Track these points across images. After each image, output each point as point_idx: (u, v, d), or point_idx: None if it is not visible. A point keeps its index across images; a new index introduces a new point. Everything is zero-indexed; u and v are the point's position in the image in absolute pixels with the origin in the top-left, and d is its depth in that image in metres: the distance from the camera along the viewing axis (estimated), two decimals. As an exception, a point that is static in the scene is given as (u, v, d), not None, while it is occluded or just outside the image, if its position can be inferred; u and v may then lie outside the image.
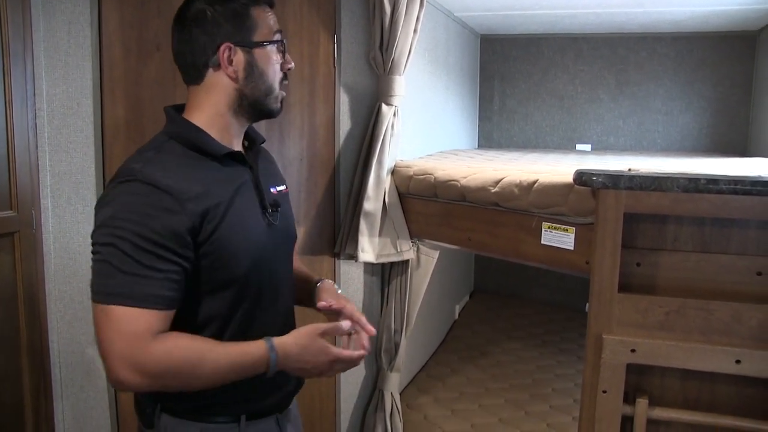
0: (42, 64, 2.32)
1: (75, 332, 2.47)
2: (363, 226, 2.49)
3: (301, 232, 2.59)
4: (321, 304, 1.57)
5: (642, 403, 1.73)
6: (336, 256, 2.67)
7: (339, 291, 1.64)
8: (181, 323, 1.32)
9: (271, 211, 1.46)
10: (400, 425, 2.73)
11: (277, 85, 1.43)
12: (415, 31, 2.48)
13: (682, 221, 1.75)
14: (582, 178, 1.71)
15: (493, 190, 2.14)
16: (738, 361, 1.65)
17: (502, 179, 2.12)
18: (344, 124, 2.60)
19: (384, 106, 2.49)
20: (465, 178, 2.26)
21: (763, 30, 4.06)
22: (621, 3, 3.43)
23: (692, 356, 1.68)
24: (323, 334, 1.35)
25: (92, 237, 1.26)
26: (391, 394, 2.73)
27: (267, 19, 1.41)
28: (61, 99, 2.34)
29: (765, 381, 1.68)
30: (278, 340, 1.33)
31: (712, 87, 4.29)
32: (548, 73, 4.59)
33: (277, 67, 1.42)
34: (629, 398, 1.76)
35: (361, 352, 1.43)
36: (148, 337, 1.21)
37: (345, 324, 1.43)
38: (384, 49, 2.46)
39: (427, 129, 3.36)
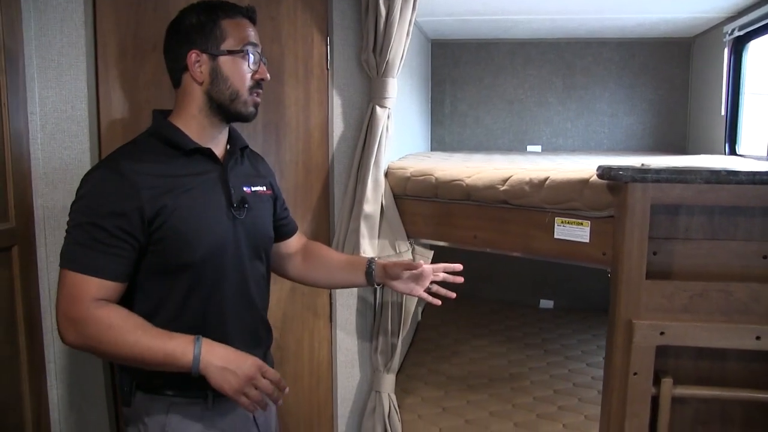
0: (34, 65, 2.21)
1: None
2: (363, 228, 2.51)
3: (296, 237, 2.57)
4: (406, 274, 1.92)
5: (667, 382, 1.83)
6: (332, 260, 2.66)
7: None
8: (140, 303, 1.53)
9: (236, 206, 1.61)
10: (399, 425, 2.75)
11: (244, 92, 1.59)
12: (408, 34, 2.51)
13: (693, 211, 1.87)
14: (609, 173, 1.79)
15: (501, 188, 2.20)
16: (758, 338, 1.77)
17: (510, 177, 2.19)
18: (337, 126, 2.60)
19: (378, 109, 2.51)
20: (469, 177, 2.32)
21: (697, 37, 4.34)
22: (577, 9, 3.59)
23: (716, 335, 1.79)
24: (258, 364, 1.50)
25: (68, 214, 1.49)
26: (389, 395, 2.75)
27: (240, 32, 1.58)
28: (54, 102, 2.25)
29: (776, 354, 1.83)
30: (208, 339, 1.47)
31: (653, 90, 4.55)
32: (498, 78, 4.73)
33: (247, 75, 1.59)
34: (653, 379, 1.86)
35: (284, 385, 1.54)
36: (86, 299, 1.41)
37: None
38: (378, 52, 2.49)
39: (398, 133, 3.40)
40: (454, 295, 2.02)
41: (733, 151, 3.74)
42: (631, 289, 1.81)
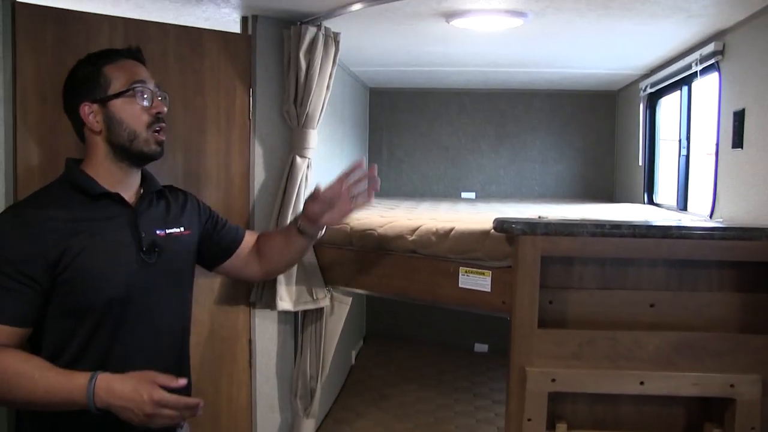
0: (-52, 112, 2.20)
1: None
2: (280, 275, 2.55)
3: (216, 282, 2.60)
4: (318, 206, 1.95)
5: (561, 427, 1.91)
6: (252, 305, 2.69)
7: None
8: (45, 345, 1.52)
9: (146, 250, 1.61)
10: (317, 471, 2.76)
11: (142, 130, 1.61)
12: (328, 87, 2.60)
13: (586, 262, 1.96)
14: (503, 226, 1.88)
15: (410, 238, 2.27)
16: (642, 383, 1.86)
17: (418, 227, 2.27)
18: (258, 175, 2.65)
19: (298, 159, 2.58)
20: (382, 227, 2.39)
21: (621, 90, 4.56)
22: (507, 63, 3.76)
23: (603, 381, 1.88)
24: (155, 381, 1.42)
25: None
26: (308, 440, 2.77)
27: (123, 73, 1.61)
28: (-32, 148, 2.24)
29: (663, 398, 1.91)
30: (106, 374, 1.42)
31: (581, 139, 4.75)
32: (433, 125, 4.87)
33: (142, 113, 1.61)
34: (548, 424, 1.92)
35: (195, 401, 1.46)
36: None
37: (181, 381, 1.46)
38: (298, 103, 2.56)
39: (327, 179, 3.46)
40: (376, 189, 2.01)
41: (651, 200, 3.91)
42: (523, 337, 1.88)
